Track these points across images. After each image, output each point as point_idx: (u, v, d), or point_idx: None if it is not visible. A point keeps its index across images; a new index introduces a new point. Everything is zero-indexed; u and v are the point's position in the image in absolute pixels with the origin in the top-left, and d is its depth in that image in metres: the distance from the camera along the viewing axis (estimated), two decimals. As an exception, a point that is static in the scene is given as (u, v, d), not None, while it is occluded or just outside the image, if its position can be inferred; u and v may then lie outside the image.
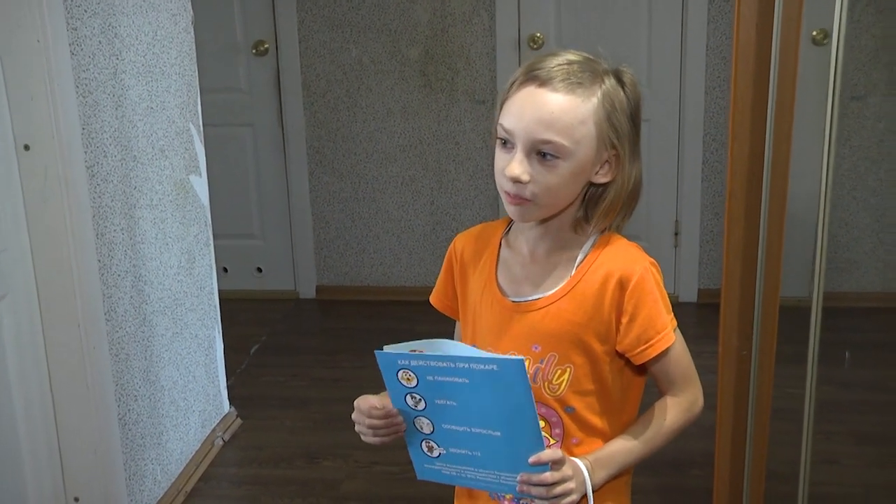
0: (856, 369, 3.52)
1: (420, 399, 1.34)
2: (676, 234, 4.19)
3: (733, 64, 1.99)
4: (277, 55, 4.24)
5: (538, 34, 4.05)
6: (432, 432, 1.37)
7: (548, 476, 1.31)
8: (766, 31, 1.95)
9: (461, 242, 1.56)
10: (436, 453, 1.39)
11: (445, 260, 1.58)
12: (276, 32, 4.21)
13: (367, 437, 1.44)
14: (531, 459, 1.31)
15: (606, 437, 1.45)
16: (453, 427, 1.34)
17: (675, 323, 1.42)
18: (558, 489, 1.32)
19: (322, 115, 4.27)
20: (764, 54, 1.96)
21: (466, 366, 1.27)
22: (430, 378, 1.31)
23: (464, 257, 1.55)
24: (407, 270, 4.40)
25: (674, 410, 1.45)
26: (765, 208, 2.01)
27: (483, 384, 1.27)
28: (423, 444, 1.39)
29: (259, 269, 4.54)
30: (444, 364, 1.28)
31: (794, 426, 2.24)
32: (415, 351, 1.30)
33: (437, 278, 1.60)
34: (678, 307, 4.21)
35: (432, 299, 1.61)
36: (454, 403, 1.32)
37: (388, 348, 1.31)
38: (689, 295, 4.21)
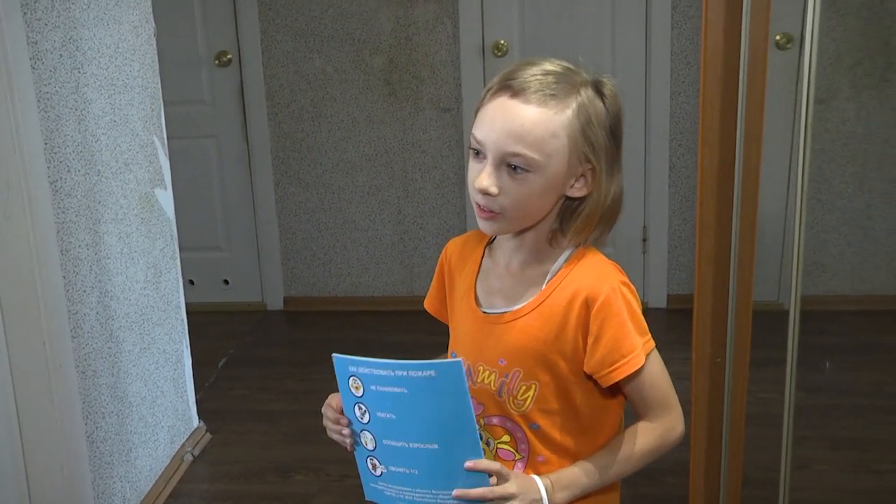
0: (821, 374, 3.54)
1: (365, 411, 1.33)
2: (644, 239, 4.20)
3: (701, 69, 1.99)
4: (241, 66, 4.20)
5: (502, 41, 4.04)
6: (374, 449, 1.36)
7: (486, 491, 1.28)
8: (734, 36, 1.95)
9: (451, 248, 1.55)
10: (378, 471, 1.37)
11: (438, 265, 1.57)
12: (238, 43, 4.17)
13: (330, 434, 1.44)
14: (467, 464, 1.28)
15: (577, 458, 1.41)
16: (392, 443, 1.33)
17: (650, 346, 1.37)
18: None
19: (286, 125, 4.24)
20: (732, 59, 1.96)
21: (405, 373, 1.27)
22: (373, 388, 1.30)
23: (451, 263, 1.53)
24: (375, 280, 4.37)
25: (646, 436, 1.40)
26: (736, 214, 2.01)
27: (421, 392, 1.27)
28: (368, 461, 1.38)
29: (226, 282, 4.50)
30: (385, 372, 1.28)
31: (769, 431, 2.24)
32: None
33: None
34: (647, 313, 4.20)
35: (426, 304, 1.60)
36: (393, 416, 1.31)
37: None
38: (659, 301, 4.22)
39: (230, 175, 4.35)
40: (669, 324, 3.97)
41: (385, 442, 1.33)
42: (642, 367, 1.35)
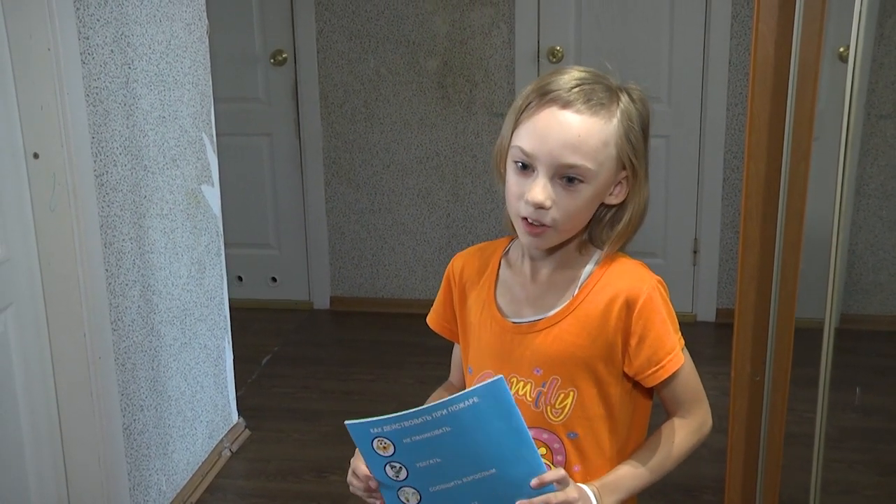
0: (880, 396, 3.44)
1: (400, 468, 1.27)
2: (695, 252, 4.13)
3: (750, 81, 1.94)
4: (296, 65, 4.22)
5: (558, 47, 4.01)
6: (420, 502, 1.29)
7: (550, 496, 1.26)
8: (785, 48, 1.90)
9: (460, 262, 1.52)
10: None
11: (444, 280, 1.53)
12: (294, 42, 4.20)
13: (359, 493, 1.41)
14: (533, 482, 1.24)
15: (611, 464, 1.41)
16: (442, 486, 1.27)
17: (682, 342, 1.38)
18: None
19: (339, 125, 4.26)
20: (782, 72, 1.91)
21: (445, 412, 1.20)
22: (407, 441, 1.23)
23: (463, 277, 1.50)
24: (422, 283, 4.37)
25: (682, 432, 1.41)
26: (780, 230, 1.96)
27: (468, 424, 1.21)
28: None
29: (274, 279, 4.53)
30: (421, 419, 1.21)
31: (812, 452, 2.18)
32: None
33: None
34: (696, 326, 4.17)
35: (429, 320, 1.56)
36: (438, 460, 1.25)
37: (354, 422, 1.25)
38: (708, 314, 4.15)
39: (282, 173, 4.38)
40: (718, 338, 3.89)
41: (432, 489, 1.28)
42: (682, 365, 1.37)
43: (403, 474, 1.27)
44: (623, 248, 1.42)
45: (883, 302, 4.05)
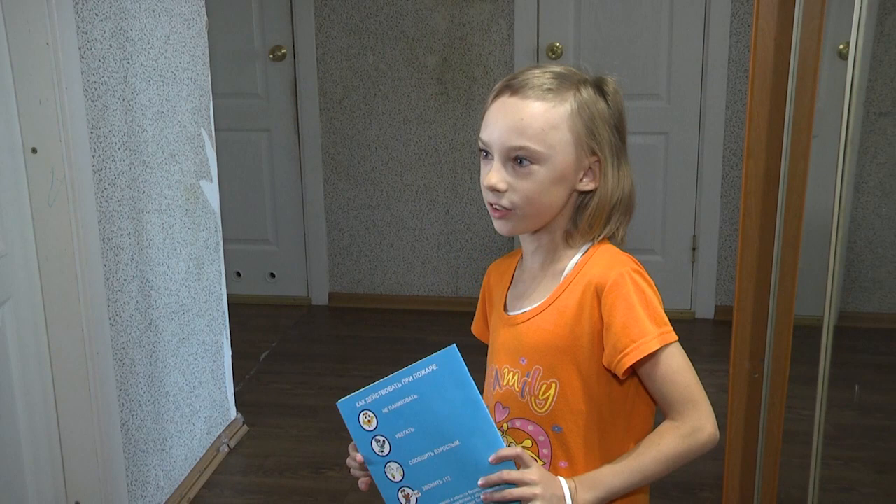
0: (878, 394, 3.44)
1: (384, 441, 1.33)
2: (694, 249, 4.13)
3: (750, 78, 1.95)
4: (295, 61, 4.22)
5: (557, 44, 4.01)
6: (403, 477, 1.35)
7: (505, 473, 1.26)
8: (785, 45, 1.90)
9: (490, 270, 1.59)
10: (413, 500, 1.35)
11: (481, 289, 1.60)
12: (293, 38, 4.20)
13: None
14: (491, 458, 1.27)
15: (600, 463, 1.37)
16: (419, 459, 1.32)
17: (669, 338, 1.31)
18: (517, 492, 1.25)
19: (338, 121, 4.25)
20: (782, 69, 1.92)
21: (410, 378, 1.29)
22: (385, 410, 1.31)
23: (490, 284, 1.57)
24: (420, 279, 4.36)
25: (671, 436, 1.32)
26: (779, 228, 1.96)
27: (430, 392, 1.28)
28: (400, 494, 1.36)
29: (272, 275, 4.52)
30: (392, 387, 1.30)
31: (811, 449, 2.18)
32: None
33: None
34: (694, 324, 4.17)
35: (473, 329, 1.63)
36: (412, 430, 1.31)
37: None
38: (706, 311, 4.14)
39: (280, 169, 4.38)
40: (716, 335, 3.89)
41: (412, 462, 1.33)
42: (656, 357, 1.31)
43: (387, 448, 1.34)
44: (618, 241, 1.43)
45: (882, 299, 4.05)
